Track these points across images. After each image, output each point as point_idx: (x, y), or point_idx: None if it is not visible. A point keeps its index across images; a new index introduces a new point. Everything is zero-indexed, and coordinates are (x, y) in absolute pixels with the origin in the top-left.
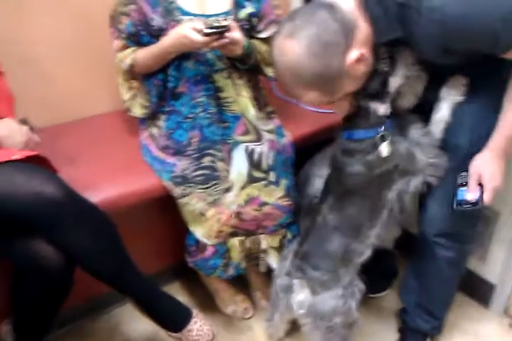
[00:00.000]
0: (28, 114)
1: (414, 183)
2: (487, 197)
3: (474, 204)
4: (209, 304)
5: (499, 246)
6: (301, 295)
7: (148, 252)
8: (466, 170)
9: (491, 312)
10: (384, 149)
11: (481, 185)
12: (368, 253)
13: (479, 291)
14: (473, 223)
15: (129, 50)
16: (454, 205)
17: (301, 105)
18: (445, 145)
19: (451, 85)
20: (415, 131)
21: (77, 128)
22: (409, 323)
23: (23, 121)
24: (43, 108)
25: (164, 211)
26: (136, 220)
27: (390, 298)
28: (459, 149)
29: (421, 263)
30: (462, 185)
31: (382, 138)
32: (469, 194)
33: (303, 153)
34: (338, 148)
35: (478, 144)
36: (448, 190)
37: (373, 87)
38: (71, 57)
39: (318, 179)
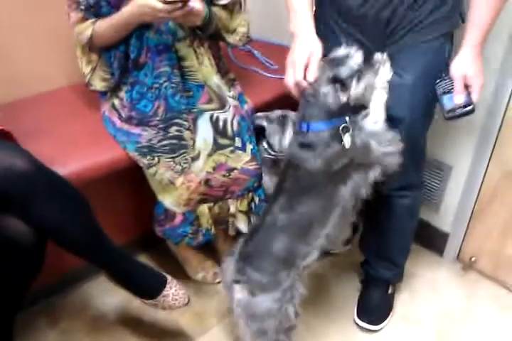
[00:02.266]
0: None
1: (372, 175)
2: (476, 96)
3: (466, 106)
4: (177, 273)
5: (452, 198)
6: (238, 295)
7: (113, 225)
8: (441, 79)
9: (445, 260)
10: (347, 141)
11: (465, 86)
12: (314, 256)
13: (434, 240)
14: (421, 172)
15: (88, 22)
16: (445, 115)
17: (260, 72)
18: (389, 119)
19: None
20: (366, 120)
21: (35, 103)
22: (372, 273)
23: None
24: (1, 83)
25: (129, 183)
26: (100, 193)
27: (351, 253)
28: (403, 121)
29: (379, 214)
30: (444, 93)
31: (345, 130)
32: (457, 97)
33: None
34: (295, 142)
35: (417, 111)
36: (407, 137)
37: (344, 72)
38: (24, 31)
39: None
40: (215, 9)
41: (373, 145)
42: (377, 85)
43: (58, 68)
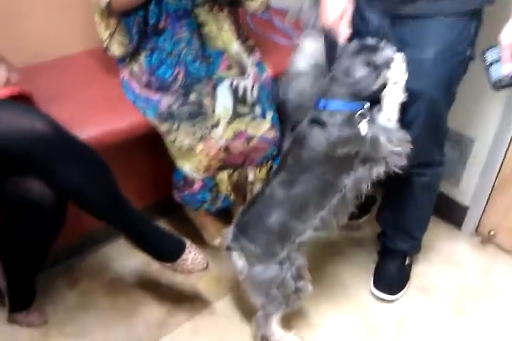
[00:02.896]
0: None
1: (376, 171)
2: None
3: None
4: (195, 239)
5: (473, 171)
6: (240, 263)
7: (132, 190)
8: (489, 49)
9: (463, 233)
10: (363, 128)
11: None
12: (308, 234)
13: (453, 213)
14: (442, 149)
15: None
16: (492, 85)
17: (277, 40)
18: (409, 94)
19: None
20: (380, 116)
21: (52, 69)
22: (388, 245)
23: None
24: (14, 49)
25: (148, 149)
26: (119, 159)
27: (368, 224)
28: (422, 96)
29: (396, 189)
30: (492, 63)
31: (362, 116)
32: (505, 67)
33: None
34: (307, 118)
35: (438, 87)
36: (427, 116)
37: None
38: None
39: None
40: None
41: (382, 141)
42: (390, 82)
43: (75, 33)
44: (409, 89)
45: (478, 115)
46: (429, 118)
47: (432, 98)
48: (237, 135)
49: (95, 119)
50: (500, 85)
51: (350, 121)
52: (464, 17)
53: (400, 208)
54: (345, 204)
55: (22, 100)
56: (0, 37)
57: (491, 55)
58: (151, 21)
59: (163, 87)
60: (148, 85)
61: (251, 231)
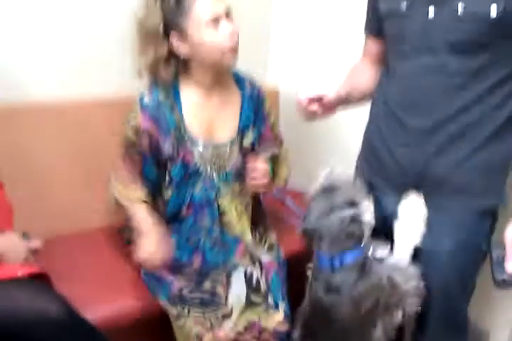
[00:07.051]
0: (24, 225)
1: (399, 315)
2: None
3: None
4: None
5: None
6: None
7: None
8: (499, 246)
9: None
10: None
11: None
12: None
13: None
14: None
15: (134, 194)
16: (494, 283)
17: (292, 221)
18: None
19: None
20: (381, 252)
21: (69, 243)
22: None
23: (25, 235)
24: (40, 219)
25: (156, 331)
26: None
27: None
28: (437, 289)
29: None
30: (498, 261)
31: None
32: (509, 264)
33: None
34: (320, 285)
35: (452, 281)
36: (442, 310)
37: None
38: (69, 169)
39: None
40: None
41: (398, 279)
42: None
43: (99, 207)
44: (424, 280)
45: (494, 307)
46: (446, 313)
47: (449, 292)
48: (249, 327)
49: (106, 299)
50: (502, 285)
51: (364, 266)
52: (476, 215)
53: None
54: None
55: (39, 277)
56: (28, 209)
57: (496, 252)
58: (170, 210)
59: (177, 269)
60: (162, 264)
61: None
